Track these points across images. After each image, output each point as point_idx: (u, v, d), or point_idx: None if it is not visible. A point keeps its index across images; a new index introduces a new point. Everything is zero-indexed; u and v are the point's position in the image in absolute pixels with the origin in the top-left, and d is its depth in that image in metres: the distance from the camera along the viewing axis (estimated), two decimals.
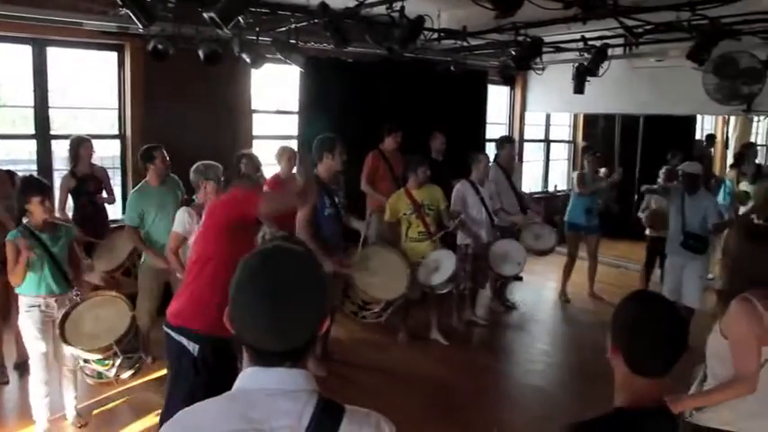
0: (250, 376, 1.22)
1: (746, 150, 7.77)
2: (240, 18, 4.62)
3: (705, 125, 11.54)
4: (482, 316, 6.47)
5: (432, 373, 5.15)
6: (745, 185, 7.27)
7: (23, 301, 3.79)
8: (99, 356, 3.69)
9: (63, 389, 4.02)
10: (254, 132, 7.04)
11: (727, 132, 10.85)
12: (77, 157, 5.38)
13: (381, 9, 5.07)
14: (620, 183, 7.31)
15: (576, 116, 10.64)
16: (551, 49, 7.32)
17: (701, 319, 4.43)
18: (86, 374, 3.87)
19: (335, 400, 1.23)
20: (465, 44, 6.84)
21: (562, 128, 10.84)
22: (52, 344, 3.82)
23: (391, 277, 4.90)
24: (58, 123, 6.07)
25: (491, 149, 7.59)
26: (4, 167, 5.15)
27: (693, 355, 1.98)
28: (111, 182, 5.79)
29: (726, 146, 10.83)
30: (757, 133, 11.64)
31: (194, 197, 4.41)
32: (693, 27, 5.48)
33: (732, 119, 10.57)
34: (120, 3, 4.38)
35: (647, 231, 7.03)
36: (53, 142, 5.91)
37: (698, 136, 10.98)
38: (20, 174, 4.94)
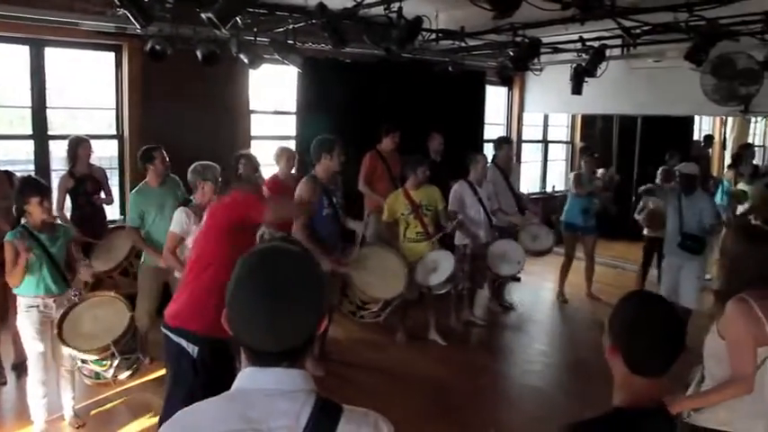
0: (248, 376, 1.22)
1: (744, 151, 7.80)
2: (238, 18, 4.62)
3: (703, 126, 11.57)
4: (480, 316, 6.47)
5: (430, 374, 5.15)
6: (742, 186, 7.29)
7: (22, 302, 3.78)
8: (97, 357, 3.69)
9: (61, 389, 4.02)
10: (253, 133, 7.04)
11: (725, 133, 10.87)
12: (76, 157, 5.37)
13: (379, 9, 5.08)
14: (617, 183, 7.32)
15: (573, 117, 10.66)
16: (549, 50, 7.33)
17: (698, 320, 4.43)
18: (84, 375, 3.87)
19: (333, 400, 1.23)
20: (463, 45, 6.86)
21: (560, 128, 10.85)
22: (50, 344, 3.82)
23: (389, 277, 4.91)
24: (55, 124, 6.06)
25: (489, 150, 7.60)
26: (2, 168, 5.13)
27: (690, 355, 1.98)
28: (109, 182, 5.78)
29: (723, 146, 10.85)
30: (755, 134, 11.68)
31: (192, 197, 4.41)
32: (691, 28, 5.49)
33: (730, 120, 10.60)
34: (117, 3, 4.39)
35: (645, 231, 7.05)
36: (50, 142, 5.90)
37: (696, 137, 10.99)
38: (17, 174, 4.94)
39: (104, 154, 6.26)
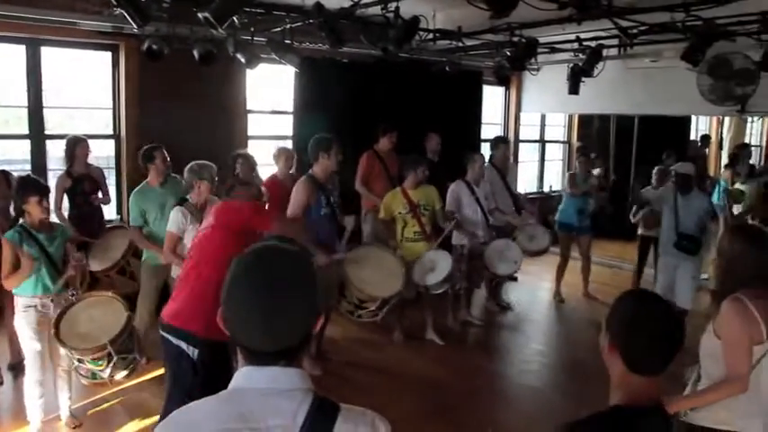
0: (245, 376, 1.22)
1: (740, 151, 7.81)
2: (235, 18, 4.62)
3: (700, 126, 11.59)
4: (477, 316, 6.47)
5: (427, 373, 5.15)
6: (739, 186, 7.31)
7: (20, 302, 3.77)
8: (93, 356, 3.68)
9: (58, 389, 4.01)
10: (250, 132, 7.04)
11: (722, 133, 10.88)
12: (73, 156, 5.36)
13: (376, 9, 5.08)
14: (613, 183, 7.33)
15: (570, 117, 10.67)
16: (546, 50, 7.34)
17: (693, 320, 4.44)
18: (81, 375, 3.85)
19: (331, 399, 1.23)
20: (460, 44, 6.86)
21: (557, 128, 10.87)
22: (48, 344, 3.81)
23: (387, 275, 4.91)
24: (52, 123, 6.05)
25: (486, 150, 7.60)
26: None
27: (686, 355, 1.98)
28: (107, 182, 5.77)
29: (720, 146, 10.86)
30: (751, 134, 11.68)
31: (188, 197, 4.41)
32: (688, 28, 5.50)
33: (726, 119, 10.60)
34: (114, 3, 4.38)
35: (639, 230, 7.06)
36: (47, 142, 5.89)
37: (692, 136, 11.02)
38: (14, 174, 4.93)
39: (101, 154, 6.26)
